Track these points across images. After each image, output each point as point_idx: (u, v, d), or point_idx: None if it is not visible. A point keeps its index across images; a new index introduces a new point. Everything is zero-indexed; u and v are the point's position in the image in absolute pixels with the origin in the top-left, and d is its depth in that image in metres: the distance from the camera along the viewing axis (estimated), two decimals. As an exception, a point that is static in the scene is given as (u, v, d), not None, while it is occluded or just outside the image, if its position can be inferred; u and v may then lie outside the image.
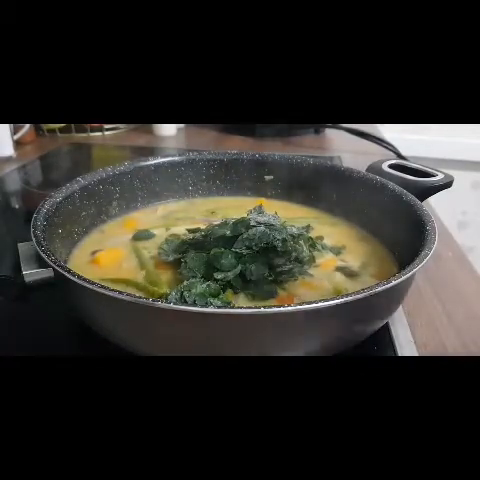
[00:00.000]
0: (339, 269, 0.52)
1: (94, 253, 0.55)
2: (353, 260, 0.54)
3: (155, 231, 0.60)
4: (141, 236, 0.59)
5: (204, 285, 0.44)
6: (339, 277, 0.51)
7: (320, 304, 0.35)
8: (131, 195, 0.66)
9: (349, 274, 0.52)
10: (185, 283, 0.44)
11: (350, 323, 0.40)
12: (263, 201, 0.69)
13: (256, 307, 0.35)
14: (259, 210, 0.53)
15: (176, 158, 0.69)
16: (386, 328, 0.49)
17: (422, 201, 0.55)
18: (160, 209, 0.67)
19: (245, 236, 0.47)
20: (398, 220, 0.54)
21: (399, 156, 1.05)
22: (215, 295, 0.44)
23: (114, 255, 0.55)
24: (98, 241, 0.58)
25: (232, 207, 0.66)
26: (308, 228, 0.59)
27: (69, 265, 0.49)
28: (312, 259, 0.52)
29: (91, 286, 0.37)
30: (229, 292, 0.46)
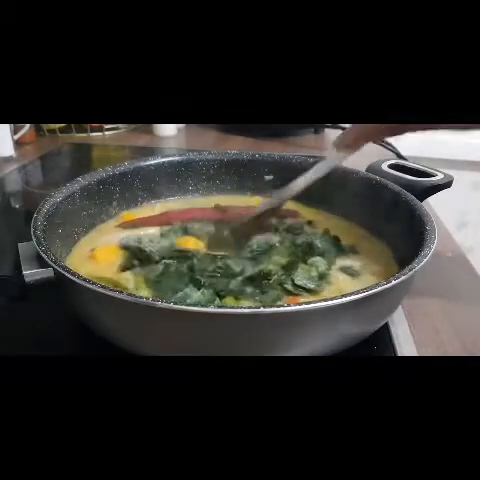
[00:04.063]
0: (340, 269, 0.52)
1: (93, 251, 0.55)
2: (353, 260, 0.55)
3: (151, 230, 0.60)
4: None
5: (199, 293, 0.44)
6: (339, 277, 0.51)
7: (320, 304, 0.35)
8: (131, 195, 0.66)
9: (349, 274, 0.52)
10: (179, 295, 0.44)
11: (350, 323, 0.40)
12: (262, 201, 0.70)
13: (256, 307, 0.35)
14: None
15: (176, 158, 0.69)
16: (386, 328, 0.49)
17: (422, 201, 0.55)
18: (158, 208, 0.67)
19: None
20: (398, 220, 0.54)
21: (399, 156, 1.05)
22: (211, 301, 0.44)
23: (114, 254, 0.54)
24: (98, 241, 0.58)
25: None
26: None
27: (68, 263, 0.49)
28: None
29: (91, 286, 0.37)
30: (230, 298, 0.46)
